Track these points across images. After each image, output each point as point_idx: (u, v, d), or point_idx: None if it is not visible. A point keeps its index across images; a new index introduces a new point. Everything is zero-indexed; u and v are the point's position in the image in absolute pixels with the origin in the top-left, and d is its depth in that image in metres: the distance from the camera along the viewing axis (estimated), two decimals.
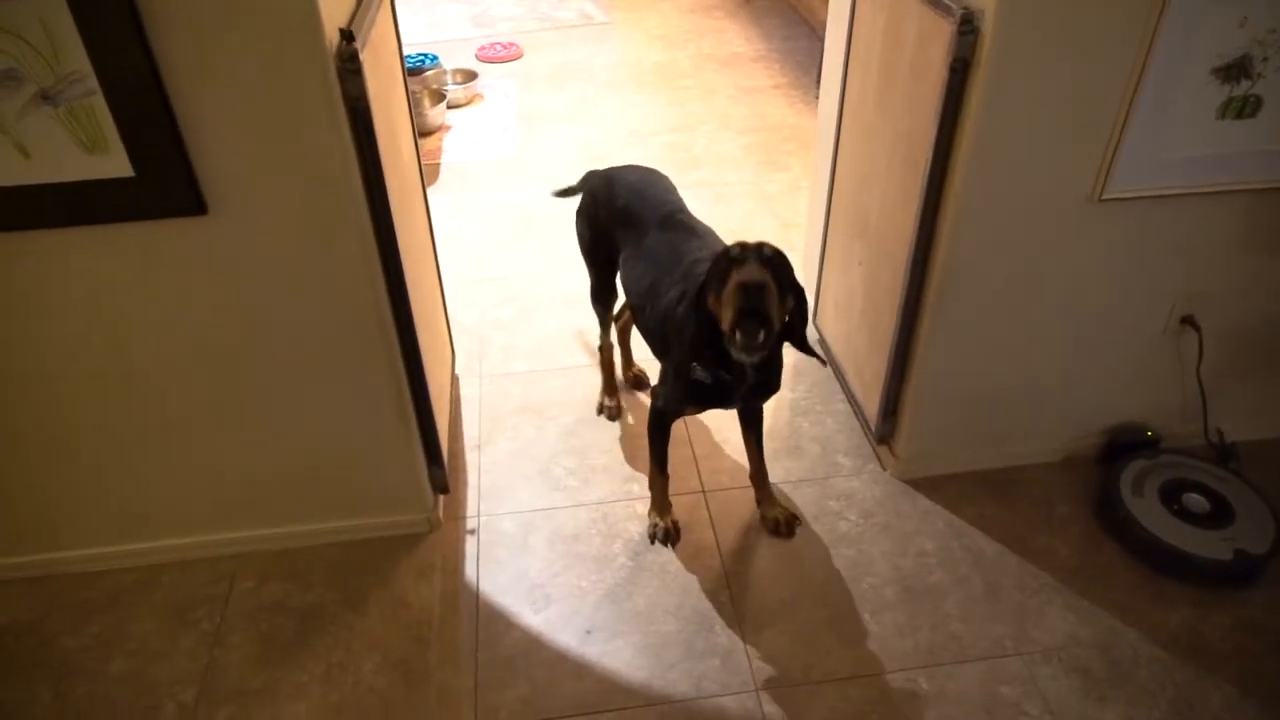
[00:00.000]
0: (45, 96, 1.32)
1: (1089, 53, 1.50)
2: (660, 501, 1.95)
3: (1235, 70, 1.55)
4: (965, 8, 1.48)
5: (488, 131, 3.82)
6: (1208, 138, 1.62)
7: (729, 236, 2.99)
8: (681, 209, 1.93)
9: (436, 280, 2.21)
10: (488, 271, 2.88)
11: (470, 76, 4.18)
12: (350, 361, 1.66)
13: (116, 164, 1.38)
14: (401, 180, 1.77)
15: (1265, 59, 1.54)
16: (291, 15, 1.29)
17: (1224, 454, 2.02)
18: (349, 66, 1.38)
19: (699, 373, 1.68)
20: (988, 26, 1.47)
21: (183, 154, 1.39)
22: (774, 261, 1.50)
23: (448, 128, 3.87)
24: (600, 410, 2.27)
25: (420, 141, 3.70)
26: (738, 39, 4.83)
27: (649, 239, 1.87)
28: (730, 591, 1.82)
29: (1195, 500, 1.88)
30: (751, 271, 1.44)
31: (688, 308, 1.64)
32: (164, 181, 1.41)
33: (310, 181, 1.45)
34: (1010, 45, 1.47)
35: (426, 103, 3.86)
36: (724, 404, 1.77)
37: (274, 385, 1.68)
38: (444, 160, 3.59)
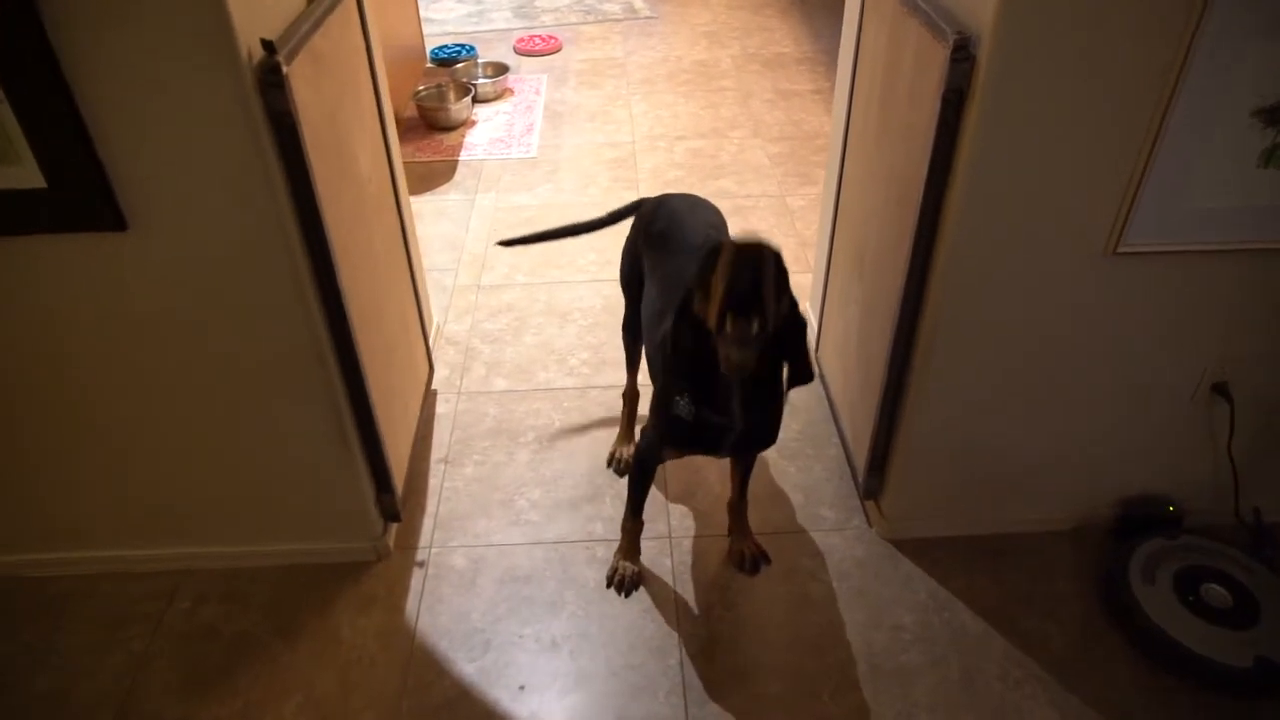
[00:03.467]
0: None
1: (1104, 87, 1.30)
2: (629, 548, 1.82)
3: None
4: (960, 32, 1.31)
5: (512, 129, 3.72)
6: (1246, 188, 1.41)
7: None
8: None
9: (411, 295, 2.11)
10: (486, 279, 2.78)
11: (501, 70, 4.08)
12: (284, 387, 1.58)
13: (29, 174, 1.31)
14: (357, 195, 1.67)
15: None
16: (200, 22, 1.19)
17: (1257, 539, 1.79)
18: (270, 79, 1.28)
19: (681, 408, 1.50)
20: (984, 53, 1.28)
21: (97, 166, 1.31)
22: (770, 254, 1.24)
23: (473, 122, 3.78)
24: (613, 460, 2.08)
25: (441, 137, 3.65)
26: (785, 39, 4.64)
27: (672, 264, 1.69)
28: (681, 654, 1.68)
29: (1215, 592, 1.67)
30: (745, 246, 1.21)
31: (672, 322, 1.44)
32: (78, 194, 1.33)
33: (233, 198, 1.36)
34: (1010, 75, 1.29)
35: (452, 96, 3.78)
36: (710, 450, 1.59)
37: (207, 405, 1.60)
38: (462, 157, 3.50)
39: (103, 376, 1.55)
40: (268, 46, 1.27)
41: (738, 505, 1.82)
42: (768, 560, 1.83)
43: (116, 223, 1.36)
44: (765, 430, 1.56)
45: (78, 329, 1.49)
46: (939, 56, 1.35)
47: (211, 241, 1.41)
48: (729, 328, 1.24)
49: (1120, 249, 1.45)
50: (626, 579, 1.78)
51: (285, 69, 1.28)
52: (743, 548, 1.83)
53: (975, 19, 1.30)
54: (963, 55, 1.31)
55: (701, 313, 1.31)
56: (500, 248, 2.91)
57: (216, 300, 1.47)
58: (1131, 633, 1.66)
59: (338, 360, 1.58)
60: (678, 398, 1.51)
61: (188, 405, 1.60)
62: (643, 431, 1.69)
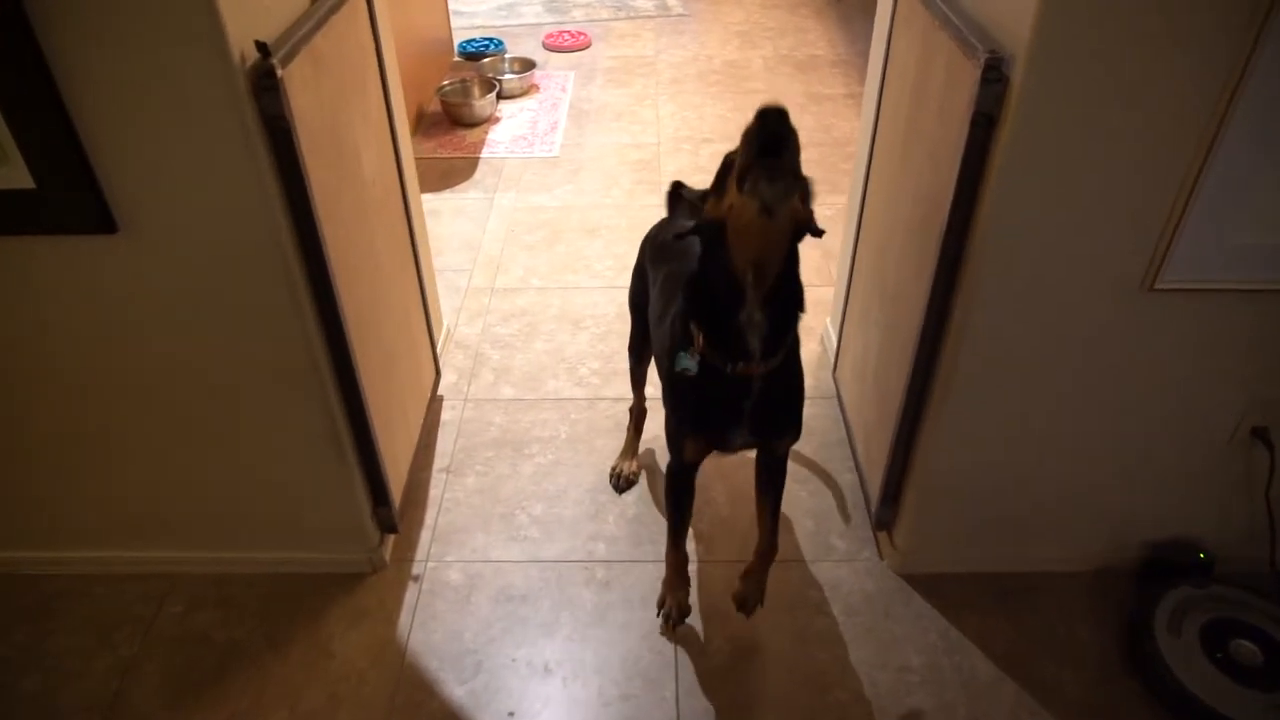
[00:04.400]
0: None
1: (1147, 113, 1.22)
2: (674, 578, 1.68)
3: None
4: (993, 51, 1.22)
5: (536, 127, 3.66)
6: None
7: None
8: None
9: (418, 300, 2.07)
10: (500, 281, 2.73)
11: (528, 66, 4.03)
12: (277, 396, 1.54)
13: (17, 175, 1.27)
14: (359, 200, 1.63)
15: None
16: (190, 23, 1.15)
17: None
18: (264, 83, 1.23)
19: (684, 361, 1.36)
20: (1018, 74, 1.20)
21: (86, 167, 1.27)
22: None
23: (497, 119, 3.73)
24: (614, 476, 2.01)
25: (464, 133, 3.61)
26: (820, 40, 4.53)
27: (671, 269, 1.60)
28: (678, 685, 1.62)
29: (1245, 649, 1.57)
30: (768, 105, 1.09)
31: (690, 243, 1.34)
32: (67, 195, 1.29)
33: (225, 203, 1.32)
34: (1045, 99, 1.21)
35: (476, 92, 3.73)
36: (729, 426, 1.42)
37: (200, 411, 1.57)
38: (484, 154, 3.45)
39: (95, 378, 1.52)
40: (261, 49, 1.22)
41: (767, 550, 1.63)
42: (761, 601, 1.68)
43: (106, 225, 1.33)
44: (783, 400, 1.42)
45: (69, 331, 1.46)
46: (969, 76, 1.27)
47: (203, 246, 1.37)
48: (758, 169, 1.12)
49: (1157, 285, 1.36)
50: (674, 613, 1.69)
51: (280, 72, 1.23)
52: (747, 593, 1.67)
53: (1010, 37, 1.22)
54: (995, 76, 1.23)
55: (716, 211, 1.21)
56: (517, 249, 2.86)
57: (208, 306, 1.43)
58: (1153, 687, 1.58)
59: (333, 370, 1.54)
60: (682, 352, 1.38)
61: (179, 410, 1.56)
62: (668, 446, 1.58)
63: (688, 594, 1.71)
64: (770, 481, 1.59)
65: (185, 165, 1.28)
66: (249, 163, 1.27)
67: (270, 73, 1.22)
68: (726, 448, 1.51)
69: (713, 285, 1.28)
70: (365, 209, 1.67)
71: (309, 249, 1.40)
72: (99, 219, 1.32)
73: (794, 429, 1.49)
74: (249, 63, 1.22)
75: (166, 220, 1.34)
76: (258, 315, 1.44)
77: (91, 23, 1.15)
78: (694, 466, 1.57)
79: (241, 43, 1.20)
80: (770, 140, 1.10)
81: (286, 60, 1.27)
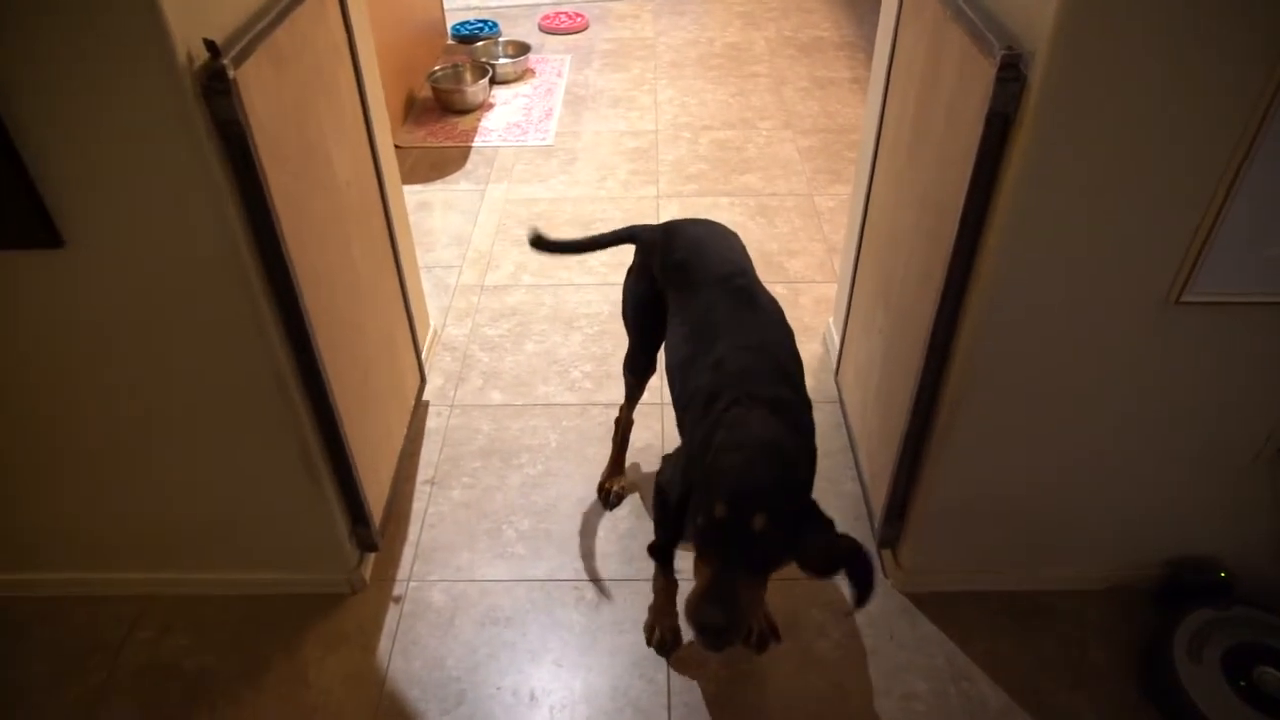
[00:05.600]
0: None
1: (1178, 115, 1.11)
2: (663, 603, 1.63)
3: None
4: (1010, 47, 1.12)
5: (530, 114, 3.55)
6: None
7: (764, 258, 2.65)
8: (744, 272, 1.55)
9: (400, 305, 1.97)
10: (491, 278, 2.63)
11: (522, 50, 3.90)
12: (241, 416, 1.45)
13: None
14: (331, 205, 1.53)
15: None
16: (128, 21, 1.04)
17: None
18: (215, 85, 1.13)
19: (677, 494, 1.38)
20: (1037, 74, 1.10)
21: (23, 176, 1.17)
22: (770, 533, 1.18)
23: (490, 105, 3.61)
24: (602, 492, 1.93)
25: (456, 121, 3.49)
26: (825, 21, 4.39)
27: (699, 301, 1.50)
28: (669, 717, 1.54)
29: (1270, 677, 1.48)
30: (713, 609, 1.16)
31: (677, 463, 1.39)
32: (7, 207, 1.20)
33: (177, 214, 1.22)
34: (1066, 100, 1.10)
35: (469, 77, 3.61)
36: None
37: (162, 431, 1.48)
38: (475, 143, 3.34)
39: (49, 399, 1.43)
40: (211, 48, 1.12)
41: None
42: (778, 638, 1.63)
43: (51, 239, 1.23)
44: None
45: (17, 350, 1.37)
46: (984, 73, 1.16)
47: (157, 260, 1.27)
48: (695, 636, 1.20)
49: (1185, 298, 1.26)
50: (667, 640, 1.62)
51: (232, 73, 1.13)
52: (751, 620, 1.62)
53: (1029, 31, 1.11)
54: (1012, 74, 1.12)
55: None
56: (509, 244, 2.77)
57: (165, 322, 1.33)
58: (1172, 716, 1.49)
59: (302, 386, 1.44)
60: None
61: (138, 429, 1.47)
62: (662, 469, 1.50)
63: (677, 617, 1.64)
64: None
65: (133, 174, 1.18)
66: (201, 171, 1.18)
67: (221, 74, 1.12)
68: None
69: None
70: (339, 214, 1.57)
71: (271, 260, 1.30)
72: (42, 232, 1.22)
73: None
74: (197, 63, 1.12)
75: (116, 233, 1.24)
76: (217, 331, 1.34)
77: (23, 19, 1.05)
78: None
79: (188, 41, 1.10)
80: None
81: (240, 59, 1.17)
